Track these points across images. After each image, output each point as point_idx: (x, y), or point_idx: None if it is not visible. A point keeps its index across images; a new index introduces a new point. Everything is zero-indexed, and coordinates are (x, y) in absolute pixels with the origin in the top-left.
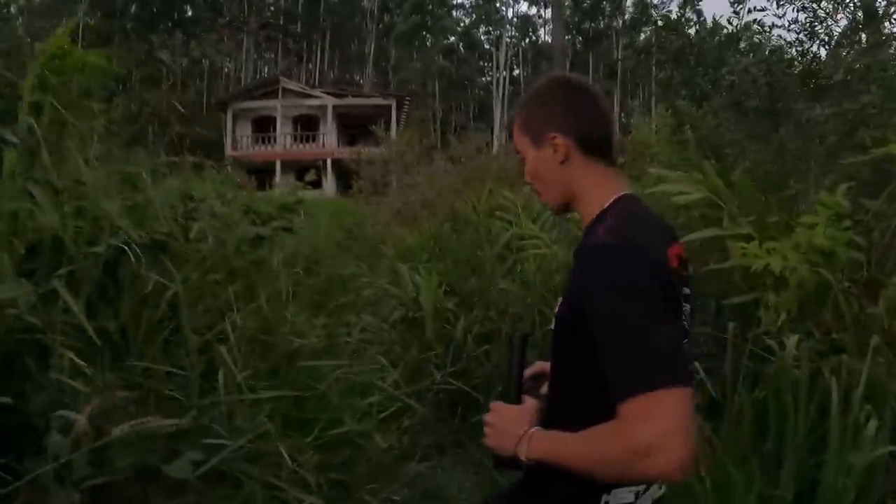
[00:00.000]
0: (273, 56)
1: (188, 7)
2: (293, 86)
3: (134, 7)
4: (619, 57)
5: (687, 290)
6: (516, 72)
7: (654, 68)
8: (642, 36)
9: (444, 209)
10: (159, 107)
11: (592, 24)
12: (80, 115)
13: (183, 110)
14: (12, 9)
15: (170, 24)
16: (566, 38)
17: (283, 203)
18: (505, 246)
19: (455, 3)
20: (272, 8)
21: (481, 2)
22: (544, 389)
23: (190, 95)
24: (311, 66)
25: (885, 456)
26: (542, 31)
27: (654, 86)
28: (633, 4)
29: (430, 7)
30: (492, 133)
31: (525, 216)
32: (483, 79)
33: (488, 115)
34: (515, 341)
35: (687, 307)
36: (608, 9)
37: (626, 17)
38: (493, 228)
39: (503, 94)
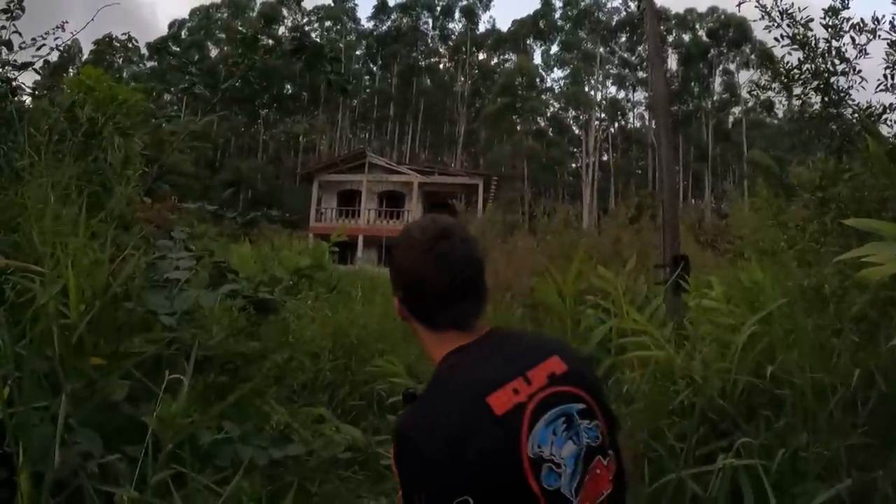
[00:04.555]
0: (366, 136)
1: (287, 84)
2: (379, 161)
3: (237, 81)
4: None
5: (570, 407)
6: (605, 157)
7: (745, 149)
8: (731, 118)
9: (523, 291)
10: (252, 176)
11: (681, 107)
12: None
13: (274, 181)
14: (125, 73)
15: (268, 99)
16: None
17: (298, 268)
18: (601, 344)
19: (544, 86)
20: (368, 89)
21: (570, 84)
22: None
23: (283, 168)
24: (403, 147)
25: None
26: (630, 115)
27: (745, 167)
28: (722, 85)
29: (519, 89)
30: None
31: (627, 303)
32: (573, 165)
33: (578, 201)
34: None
35: (584, 423)
36: (696, 90)
37: (715, 98)
38: (583, 319)
39: (592, 178)
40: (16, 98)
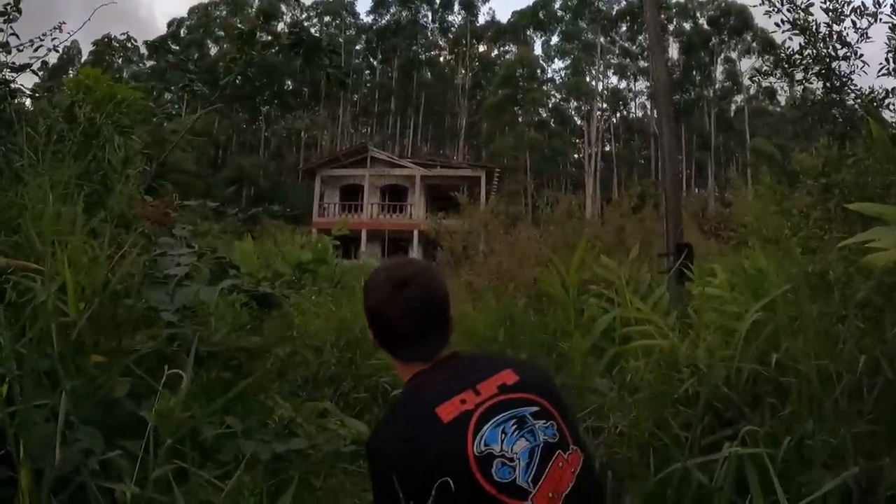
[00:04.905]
0: (368, 130)
1: (288, 81)
2: (381, 155)
3: (237, 79)
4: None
5: (522, 410)
6: (607, 147)
7: (748, 137)
8: (733, 107)
9: (526, 282)
10: (254, 172)
11: (683, 96)
12: None
13: (277, 177)
14: (125, 73)
15: (269, 95)
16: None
17: (300, 263)
18: (604, 334)
19: (545, 77)
20: (368, 83)
21: (571, 75)
22: None
23: (285, 164)
24: (405, 140)
25: None
26: (632, 105)
27: (748, 155)
28: (723, 73)
29: (520, 81)
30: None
31: (631, 292)
32: (576, 155)
33: (581, 191)
34: None
35: (539, 423)
36: (698, 79)
37: (717, 86)
38: (586, 309)
39: (595, 169)
40: (15, 100)
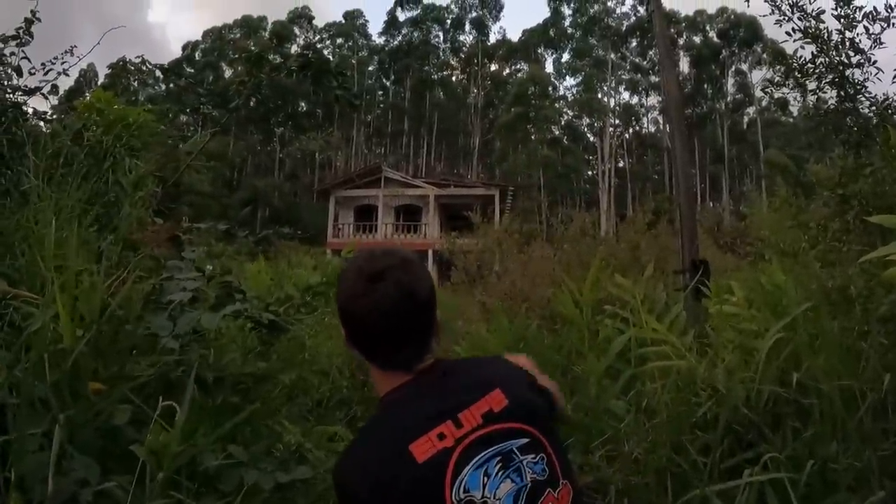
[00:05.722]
0: (382, 151)
1: (302, 102)
2: (395, 175)
3: (249, 101)
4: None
5: (508, 444)
6: (621, 163)
7: (761, 149)
8: (746, 119)
9: (539, 302)
10: (269, 193)
11: (695, 110)
12: None
13: (292, 198)
14: (141, 96)
15: (283, 117)
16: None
17: (309, 286)
18: (620, 355)
19: (557, 94)
20: (381, 104)
21: (583, 91)
22: None
23: (300, 185)
24: (418, 160)
25: None
26: (644, 120)
27: (762, 167)
28: (735, 85)
29: (532, 98)
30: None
31: (646, 312)
32: (589, 172)
33: (595, 208)
34: None
35: (527, 458)
36: (709, 92)
37: (729, 99)
38: (601, 330)
39: (609, 185)
40: (26, 122)
